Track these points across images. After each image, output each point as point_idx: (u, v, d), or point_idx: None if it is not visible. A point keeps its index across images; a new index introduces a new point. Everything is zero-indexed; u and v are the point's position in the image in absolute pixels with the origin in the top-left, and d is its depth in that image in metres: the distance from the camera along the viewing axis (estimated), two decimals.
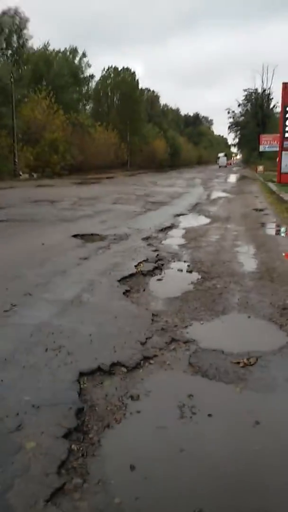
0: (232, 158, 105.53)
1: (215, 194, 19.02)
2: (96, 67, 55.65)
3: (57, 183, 24.23)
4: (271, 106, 63.63)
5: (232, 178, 37.47)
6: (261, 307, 4.51)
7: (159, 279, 5.55)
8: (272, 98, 62.75)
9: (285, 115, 24.20)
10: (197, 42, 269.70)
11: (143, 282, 5.33)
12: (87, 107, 50.25)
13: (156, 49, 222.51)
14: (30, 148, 31.64)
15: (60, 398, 2.72)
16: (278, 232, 9.29)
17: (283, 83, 24.60)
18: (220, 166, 75.27)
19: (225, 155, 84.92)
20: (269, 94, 63.58)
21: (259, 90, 64.12)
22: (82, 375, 3.02)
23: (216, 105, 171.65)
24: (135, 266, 5.93)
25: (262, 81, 74.23)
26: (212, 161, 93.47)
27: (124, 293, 4.79)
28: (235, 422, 2.63)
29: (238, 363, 3.29)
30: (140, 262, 6.14)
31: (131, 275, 5.51)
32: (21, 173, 30.16)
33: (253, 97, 66.10)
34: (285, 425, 2.61)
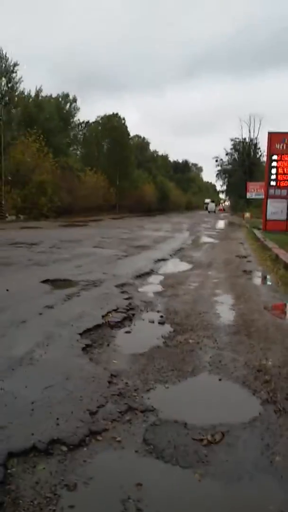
0: (221, 204, 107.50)
1: (200, 240, 18.82)
2: (94, 113, 56.89)
3: (43, 225, 23.95)
4: (258, 155, 65.14)
5: (219, 224, 37.61)
6: (234, 367, 4.05)
7: (127, 332, 5.09)
8: (259, 148, 64.35)
9: (271, 164, 24.50)
10: (193, 92, 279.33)
11: (108, 335, 4.86)
12: (77, 151, 50.97)
13: (153, 98, 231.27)
14: (18, 190, 31.54)
15: None
16: (261, 280, 8.93)
17: (268, 132, 25.12)
18: (209, 211, 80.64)
19: (213, 201, 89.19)
20: (256, 143, 65.28)
21: (247, 140, 65.82)
22: (12, 456, 2.51)
23: (206, 153, 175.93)
24: (103, 316, 5.47)
25: (249, 131, 76.52)
26: (201, 207, 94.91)
27: (83, 348, 4.31)
28: None
29: (201, 440, 2.81)
30: (109, 312, 5.69)
31: (97, 327, 5.04)
32: (7, 215, 29.91)
33: (240, 146, 67.74)
34: None
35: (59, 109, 43.58)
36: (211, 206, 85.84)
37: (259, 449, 2.73)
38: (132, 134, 65.13)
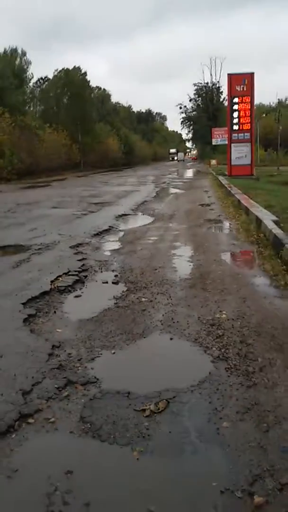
0: (188, 153, 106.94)
1: (164, 191, 18.40)
2: (57, 67, 52.93)
3: (2, 188, 23.00)
4: (221, 99, 63.71)
5: (185, 173, 37.11)
6: (187, 324, 3.81)
7: (77, 296, 4.78)
8: (222, 92, 62.89)
9: (232, 107, 23.86)
10: (161, 37, 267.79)
11: (56, 302, 4.53)
12: (34, 108, 48.70)
13: (122, 47, 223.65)
14: None
15: None
16: (221, 229, 8.67)
17: (228, 74, 24.32)
18: (178, 161, 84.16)
19: (177, 151, 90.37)
20: (218, 87, 63.76)
21: (209, 84, 64.24)
22: None
23: (171, 100, 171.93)
24: (52, 281, 5.12)
25: (211, 75, 74.65)
26: (167, 157, 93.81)
27: (25, 319, 3.98)
28: None
29: (144, 410, 2.57)
30: (59, 276, 5.34)
31: (44, 294, 4.70)
32: None
33: (203, 91, 66.10)
34: (183, 509, 1.89)
35: (11, 65, 41.02)
36: (180, 155, 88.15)
37: (206, 415, 2.50)
38: (100, 86, 63.00)
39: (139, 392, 2.75)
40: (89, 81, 51.55)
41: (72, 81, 48.38)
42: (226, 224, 8.99)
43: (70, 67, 50.05)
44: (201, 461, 2.15)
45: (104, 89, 69.69)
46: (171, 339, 3.58)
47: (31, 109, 46.82)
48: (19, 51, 41.06)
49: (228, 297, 4.37)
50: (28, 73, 42.76)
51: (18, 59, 41.16)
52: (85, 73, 50.80)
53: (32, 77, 45.32)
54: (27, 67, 42.02)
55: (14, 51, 40.48)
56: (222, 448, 2.22)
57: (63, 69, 49.59)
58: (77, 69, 50.42)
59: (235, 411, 2.51)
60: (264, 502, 1.86)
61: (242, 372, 2.93)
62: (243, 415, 2.47)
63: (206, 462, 2.14)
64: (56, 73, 49.43)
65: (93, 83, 54.43)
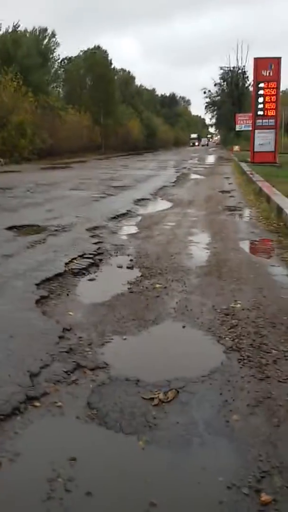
0: (209, 139, 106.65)
1: (184, 177, 18.18)
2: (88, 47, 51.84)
3: (23, 168, 23.08)
4: (247, 84, 62.51)
5: (207, 159, 36.64)
6: (201, 312, 3.73)
7: (91, 279, 4.74)
8: (247, 76, 61.70)
9: (257, 92, 23.37)
10: (197, 21, 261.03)
11: (69, 284, 4.50)
12: (58, 89, 48.45)
13: (156, 29, 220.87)
14: None
15: None
16: (241, 216, 8.50)
17: (254, 58, 23.79)
18: (202, 145, 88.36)
19: (199, 136, 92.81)
20: (244, 72, 62.55)
21: (235, 68, 63.06)
22: None
23: (199, 84, 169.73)
24: (66, 263, 5.08)
25: (237, 59, 73.43)
26: (189, 142, 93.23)
27: (37, 300, 3.95)
28: (122, 504, 1.84)
29: (152, 399, 2.51)
30: (74, 258, 5.30)
31: (57, 276, 4.67)
32: None
33: (228, 76, 64.96)
34: (186, 504, 1.83)
35: (38, 44, 40.77)
36: (204, 140, 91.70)
37: (216, 407, 2.43)
38: (125, 68, 62.41)
39: (149, 380, 2.70)
40: (111, 61, 50.87)
41: (95, 61, 47.83)
42: (246, 211, 8.83)
43: (96, 48, 49.51)
44: (208, 454, 2.09)
45: (128, 72, 68.85)
46: (183, 327, 3.50)
47: (56, 89, 46.56)
48: (49, 31, 40.59)
49: (244, 287, 4.27)
50: (55, 54, 42.38)
51: (47, 39, 40.74)
52: (106, 53, 50.18)
53: (59, 58, 45.01)
54: (55, 48, 41.64)
55: (43, 30, 40.09)
56: (231, 442, 2.16)
57: (88, 49, 49.11)
58: (97, 49, 49.80)
59: (246, 404, 2.44)
60: (271, 500, 1.80)
61: (255, 364, 2.85)
62: (254, 409, 2.40)
63: (213, 456, 2.08)
64: (80, 53, 48.98)
65: (124, 65, 54.24)
